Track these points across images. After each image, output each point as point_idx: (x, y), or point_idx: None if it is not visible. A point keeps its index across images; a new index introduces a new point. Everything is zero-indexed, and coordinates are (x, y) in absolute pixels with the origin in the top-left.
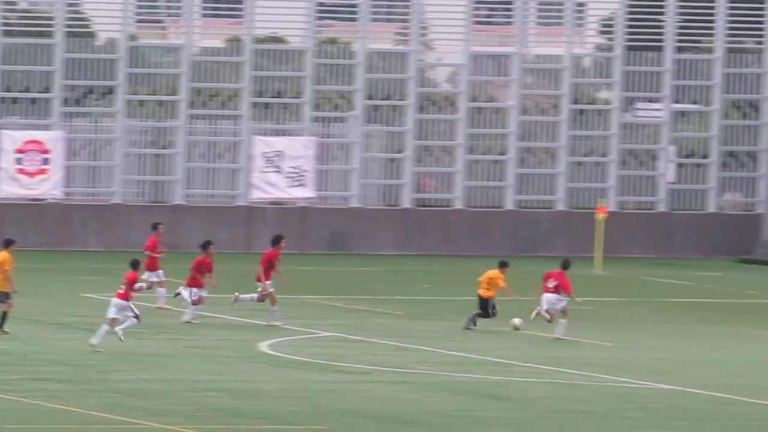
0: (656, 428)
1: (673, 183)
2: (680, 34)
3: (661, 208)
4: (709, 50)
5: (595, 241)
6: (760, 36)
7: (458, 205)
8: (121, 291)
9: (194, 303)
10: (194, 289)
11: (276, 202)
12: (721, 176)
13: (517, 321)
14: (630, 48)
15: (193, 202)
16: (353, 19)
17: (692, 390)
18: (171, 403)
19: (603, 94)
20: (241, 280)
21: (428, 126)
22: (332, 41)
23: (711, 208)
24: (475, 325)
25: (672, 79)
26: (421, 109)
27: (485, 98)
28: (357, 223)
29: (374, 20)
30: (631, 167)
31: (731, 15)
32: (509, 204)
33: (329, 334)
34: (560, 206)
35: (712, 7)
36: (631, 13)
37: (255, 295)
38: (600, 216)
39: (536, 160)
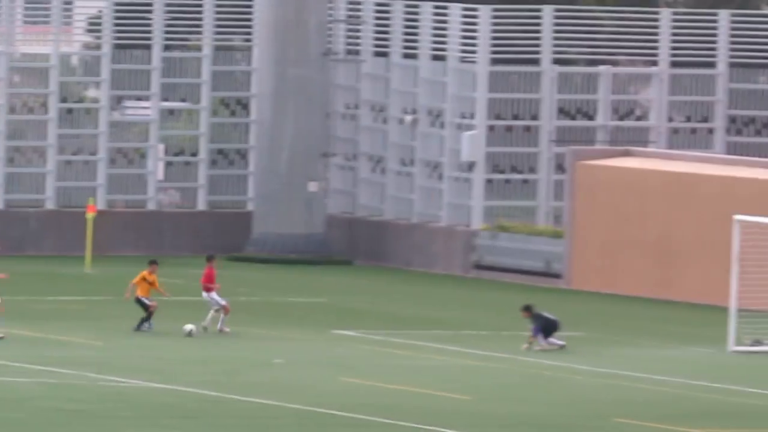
0: (146, 427)
1: (163, 181)
2: (168, 32)
3: (151, 206)
4: (198, 48)
5: (86, 240)
6: (248, 33)
7: None
8: None
9: None
10: None
11: None
12: (211, 174)
13: (190, 327)
14: (118, 46)
15: None
16: None
17: (182, 388)
18: None
19: (92, 93)
20: None
21: None
22: None
23: (201, 206)
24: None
25: (160, 77)
26: None
27: None
28: None
29: None
30: (120, 165)
31: (219, 12)
32: None
33: None
34: (50, 205)
35: (200, 5)
36: (118, 11)
37: None
38: (89, 215)
39: (25, 159)
